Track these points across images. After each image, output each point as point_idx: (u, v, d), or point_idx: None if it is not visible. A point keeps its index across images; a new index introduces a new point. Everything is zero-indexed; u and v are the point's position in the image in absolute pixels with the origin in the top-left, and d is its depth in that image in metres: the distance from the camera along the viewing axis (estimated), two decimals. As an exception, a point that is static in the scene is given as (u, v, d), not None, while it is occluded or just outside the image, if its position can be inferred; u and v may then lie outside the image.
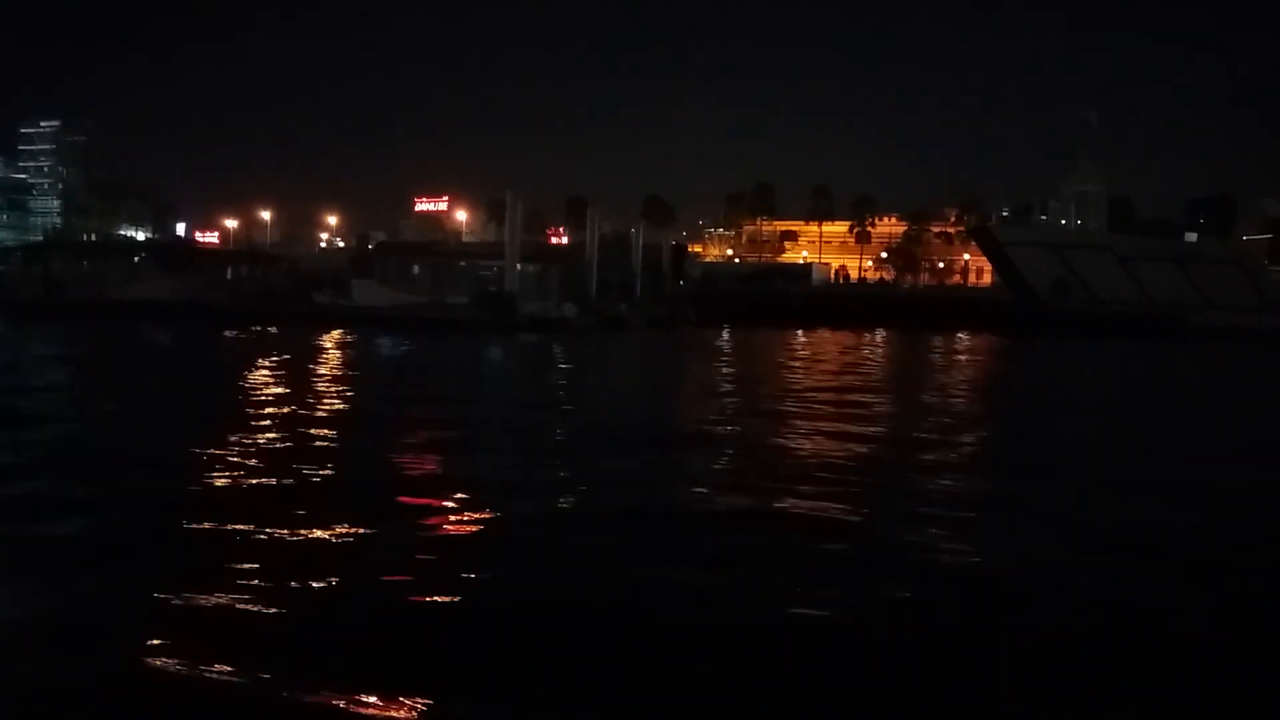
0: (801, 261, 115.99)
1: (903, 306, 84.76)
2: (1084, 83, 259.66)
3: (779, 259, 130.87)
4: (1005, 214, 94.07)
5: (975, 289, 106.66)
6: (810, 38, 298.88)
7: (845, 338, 57.86)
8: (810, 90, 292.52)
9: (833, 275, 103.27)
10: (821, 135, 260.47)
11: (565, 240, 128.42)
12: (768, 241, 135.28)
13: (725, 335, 57.49)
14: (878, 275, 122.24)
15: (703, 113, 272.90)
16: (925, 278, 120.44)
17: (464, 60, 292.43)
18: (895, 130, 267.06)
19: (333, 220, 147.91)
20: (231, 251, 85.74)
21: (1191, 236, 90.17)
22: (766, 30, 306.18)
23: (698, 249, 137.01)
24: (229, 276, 63.13)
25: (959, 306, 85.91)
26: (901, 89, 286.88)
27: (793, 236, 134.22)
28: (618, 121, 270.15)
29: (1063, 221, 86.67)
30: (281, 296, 55.81)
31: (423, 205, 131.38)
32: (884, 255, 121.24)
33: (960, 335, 64.22)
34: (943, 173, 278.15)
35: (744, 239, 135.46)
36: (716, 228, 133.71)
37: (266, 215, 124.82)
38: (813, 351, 46.45)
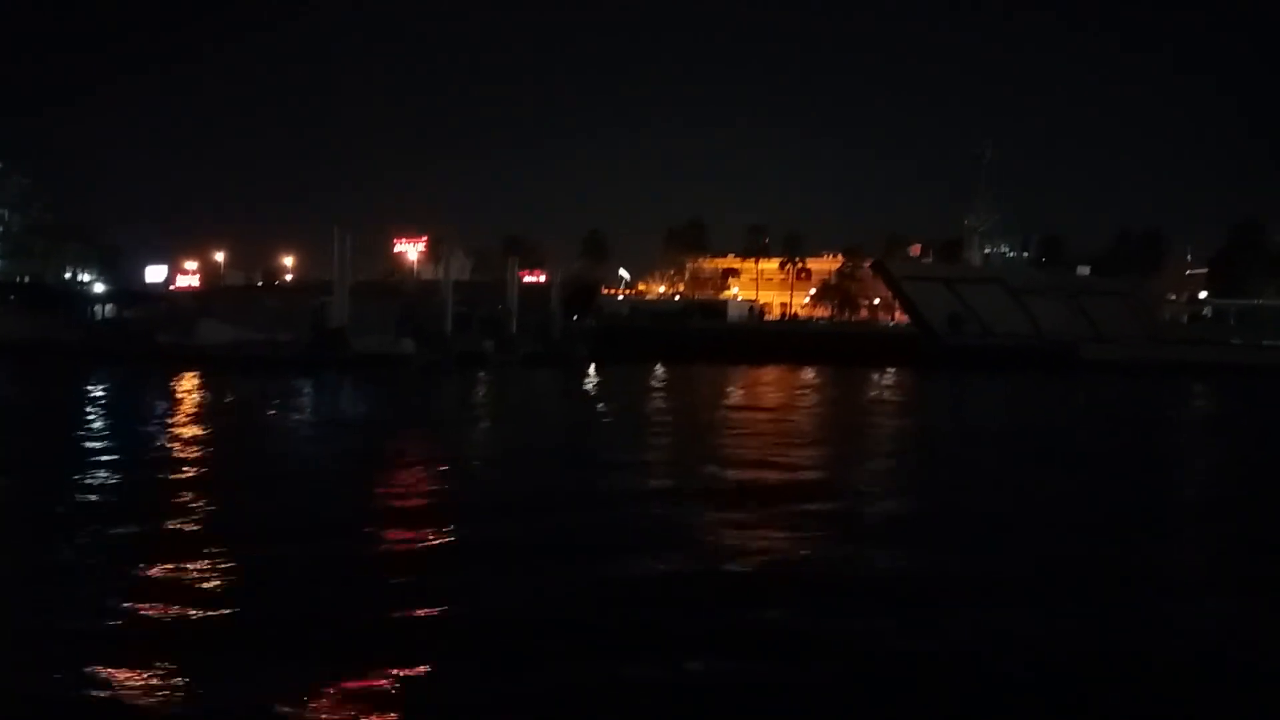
0: (731, 298, 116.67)
1: (813, 342, 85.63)
2: (1022, 116, 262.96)
3: (721, 295, 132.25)
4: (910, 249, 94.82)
5: (899, 325, 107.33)
6: (756, 71, 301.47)
7: (737, 372, 58.87)
8: (757, 125, 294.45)
9: (749, 312, 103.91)
10: (770, 171, 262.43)
11: (544, 279, 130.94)
12: (709, 279, 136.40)
13: (592, 373, 58.30)
14: (814, 312, 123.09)
15: (645, 149, 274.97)
16: (864, 313, 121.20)
17: (404, 98, 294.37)
18: (837, 165, 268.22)
19: (288, 260, 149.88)
20: (104, 293, 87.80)
21: (1084, 270, 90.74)
22: (714, 65, 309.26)
23: (642, 286, 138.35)
24: (95, 315, 64.29)
25: (868, 342, 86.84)
26: (846, 125, 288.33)
27: (735, 273, 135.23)
28: (561, 157, 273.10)
29: (1005, 251, 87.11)
30: (132, 335, 56.82)
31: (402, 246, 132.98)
32: (812, 292, 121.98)
33: (859, 369, 65.60)
34: (883, 208, 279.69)
35: (687, 276, 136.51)
36: (660, 265, 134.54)
37: (219, 256, 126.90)
38: (681, 387, 47.58)
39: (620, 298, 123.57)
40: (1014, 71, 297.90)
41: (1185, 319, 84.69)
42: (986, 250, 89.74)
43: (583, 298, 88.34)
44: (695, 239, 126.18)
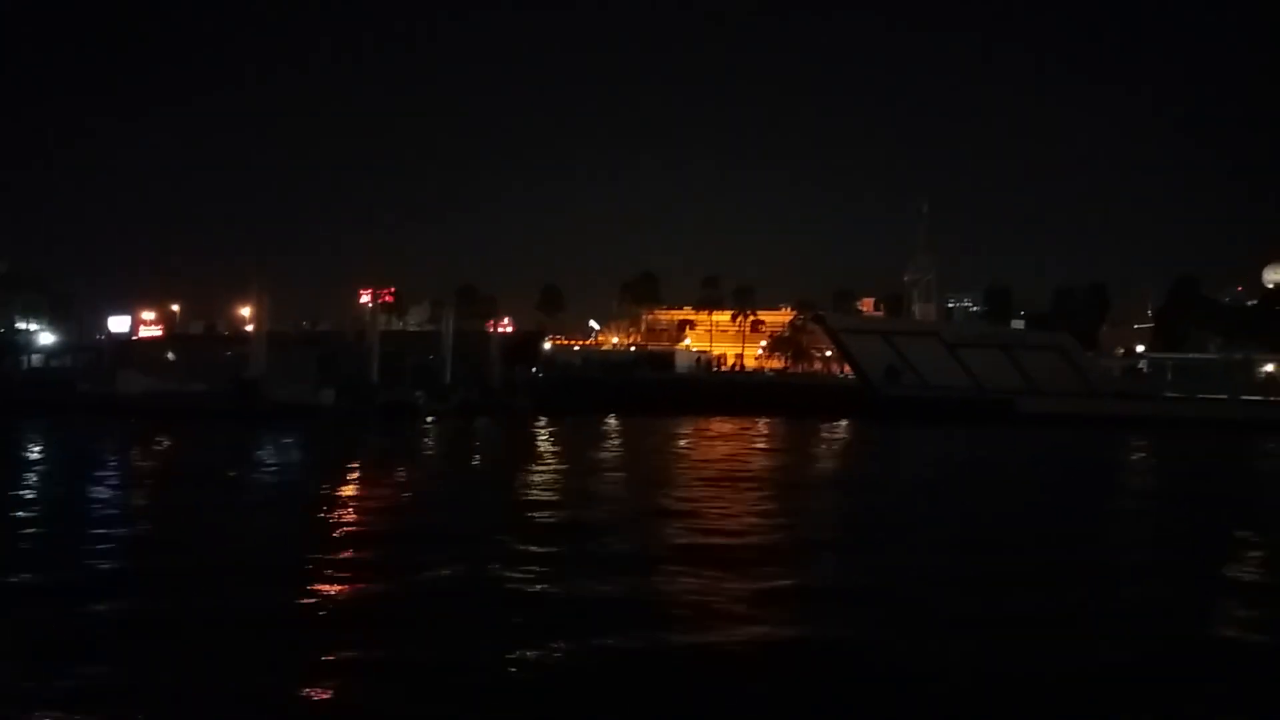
0: (681, 349, 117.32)
1: (758, 393, 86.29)
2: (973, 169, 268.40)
3: (678, 346, 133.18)
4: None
5: (847, 377, 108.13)
6: (714, 121, 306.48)
7: (674, 423, 59.30)
8: (720, 174, 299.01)
9: (697, 362, 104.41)
10: (727, 223, 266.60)
11: (511, 328, 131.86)
12: (666, 330, 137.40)
13: (529, 424, 58.37)
14: (767, 363, 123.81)
15: (603, 202, 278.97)
16: (817, 365, 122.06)
17: (363, 152, 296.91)
18: (795, 218, 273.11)
19: (245, 311, 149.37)
20: (47, 344, 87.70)
21: (1019, 324, 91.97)
22: (675, 113, 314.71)
23: (601, 337, 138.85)
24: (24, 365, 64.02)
25: (812, 393, 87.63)
26: (803, 179, 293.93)
27: (691, 325, 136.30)
28: (519, 208, 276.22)
29: (967, 305, 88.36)
30: (55, 385, 56.56)
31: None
32: (763, 345, 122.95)
33: (798, 420, 66.71)
34: (847, 261, 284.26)
35: (643, 327, 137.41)
36: (616, 316, 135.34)
37: (175, 307, 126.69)
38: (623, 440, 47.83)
39: (576, 348, 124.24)
40: (968, 125, 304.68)
41: (1118, 373, 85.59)
42: (951, 304, 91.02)
43: (527, 348, 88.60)
44: (649, 291, 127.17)
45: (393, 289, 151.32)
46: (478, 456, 42.04)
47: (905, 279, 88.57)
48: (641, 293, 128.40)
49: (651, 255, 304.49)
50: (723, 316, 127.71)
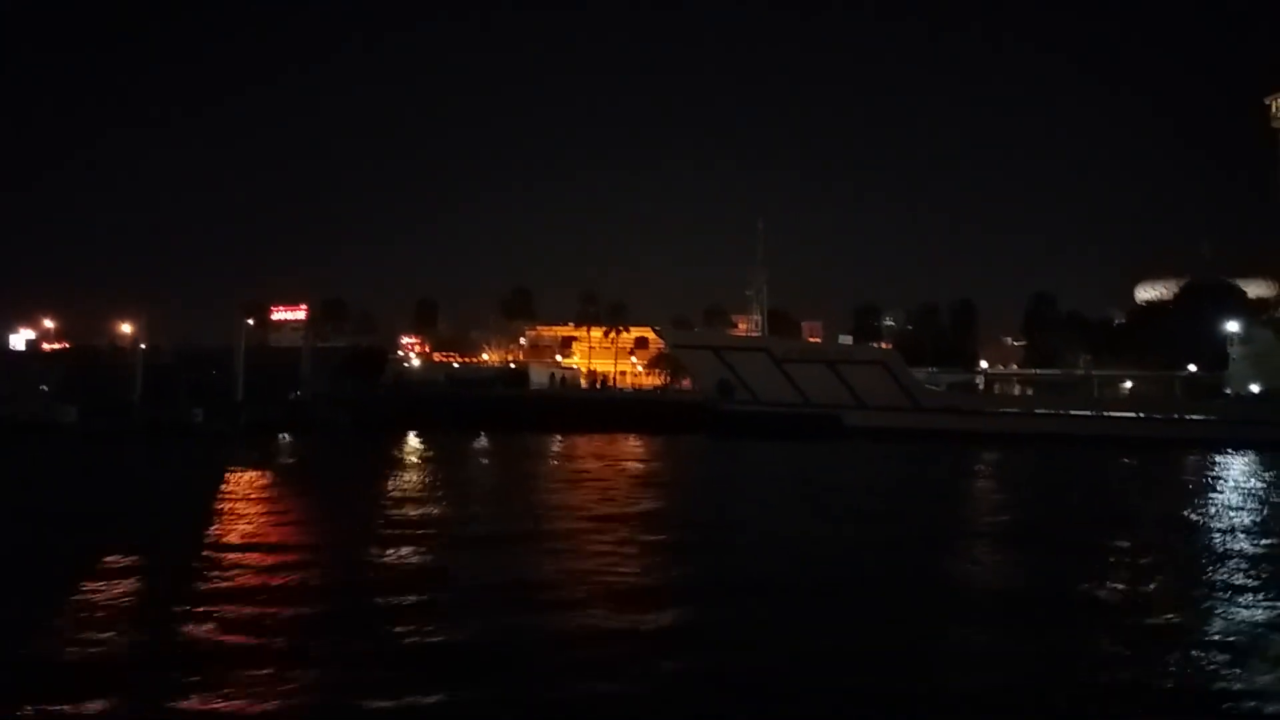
0: (553, 364, 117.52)
1: (609, 410, 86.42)
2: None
3: (563, 362, 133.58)
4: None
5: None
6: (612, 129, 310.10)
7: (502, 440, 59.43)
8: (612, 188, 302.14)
9: (551, 379, 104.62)
10: (608, 240, 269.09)
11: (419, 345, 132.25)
12: (548, 346, 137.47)
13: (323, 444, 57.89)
14: (646, 380, 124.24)
15: (481, 214, 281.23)
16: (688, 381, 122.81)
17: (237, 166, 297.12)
18: (680, 236, 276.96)
19: (127, 328, 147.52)
20: None
21: (846, 339, 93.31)
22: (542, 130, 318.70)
23: (486, 353, 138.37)
24: None
25: (660, 409, 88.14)
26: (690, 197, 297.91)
27: (573, 341, 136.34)
28: (392, 227, 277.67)
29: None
30: None
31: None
32: (633, 359, 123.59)
33: (640, 436, 68.08)
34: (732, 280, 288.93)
35: (525, 343, 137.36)
36: (493, 332, 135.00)
37: (49, 323, 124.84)
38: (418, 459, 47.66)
39: (457, 365, 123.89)
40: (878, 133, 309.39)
41: (944, 387, 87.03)
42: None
43: (368, 365, 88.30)
44: (523, 307, 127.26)
45: (305, 306, 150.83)
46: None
47: (747, 294, 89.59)
48: (515, 308, 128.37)
49: (546, 272, 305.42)
50: (596, 333, 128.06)
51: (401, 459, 49.27)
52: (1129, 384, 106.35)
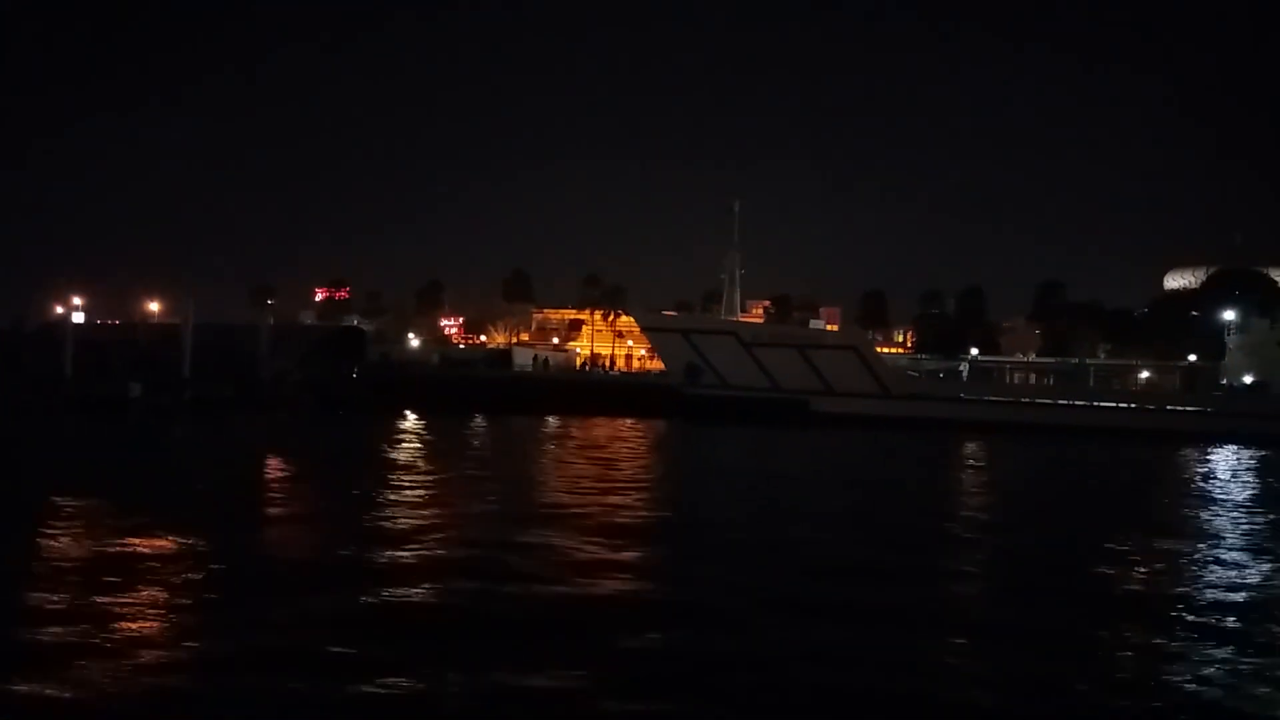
0: (519, 346, 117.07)
1: (581, 392, 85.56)
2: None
3: (568, 345, 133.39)
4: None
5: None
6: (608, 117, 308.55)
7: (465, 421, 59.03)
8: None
9: (534, 360, 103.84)
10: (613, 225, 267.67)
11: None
12: (555, 329, 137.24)
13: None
14: (651, 364, 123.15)
15: (482, 198, 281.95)
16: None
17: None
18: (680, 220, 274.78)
19: (154, 306, 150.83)
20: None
21: (819, 323, 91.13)
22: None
23: (487, 336, 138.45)
24: None
25: (631, 393, 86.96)
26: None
27: (580, 324, 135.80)
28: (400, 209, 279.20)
29: None
30: None
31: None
32: (629, 342, 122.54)
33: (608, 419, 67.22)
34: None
35: (533, 326, 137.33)
36: (496, 315, 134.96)
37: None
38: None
39: (462, 346, 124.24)
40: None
41: (919, 375, 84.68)
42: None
43: (346, 345, 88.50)
44: (523, 290, 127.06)
45: (347, 288, 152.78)
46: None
47: (721, 276, 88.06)
48: (515, 292, 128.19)
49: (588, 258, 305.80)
50: (597, 316, 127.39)
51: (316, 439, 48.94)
52: (1145, 374, 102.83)
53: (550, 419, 69.06)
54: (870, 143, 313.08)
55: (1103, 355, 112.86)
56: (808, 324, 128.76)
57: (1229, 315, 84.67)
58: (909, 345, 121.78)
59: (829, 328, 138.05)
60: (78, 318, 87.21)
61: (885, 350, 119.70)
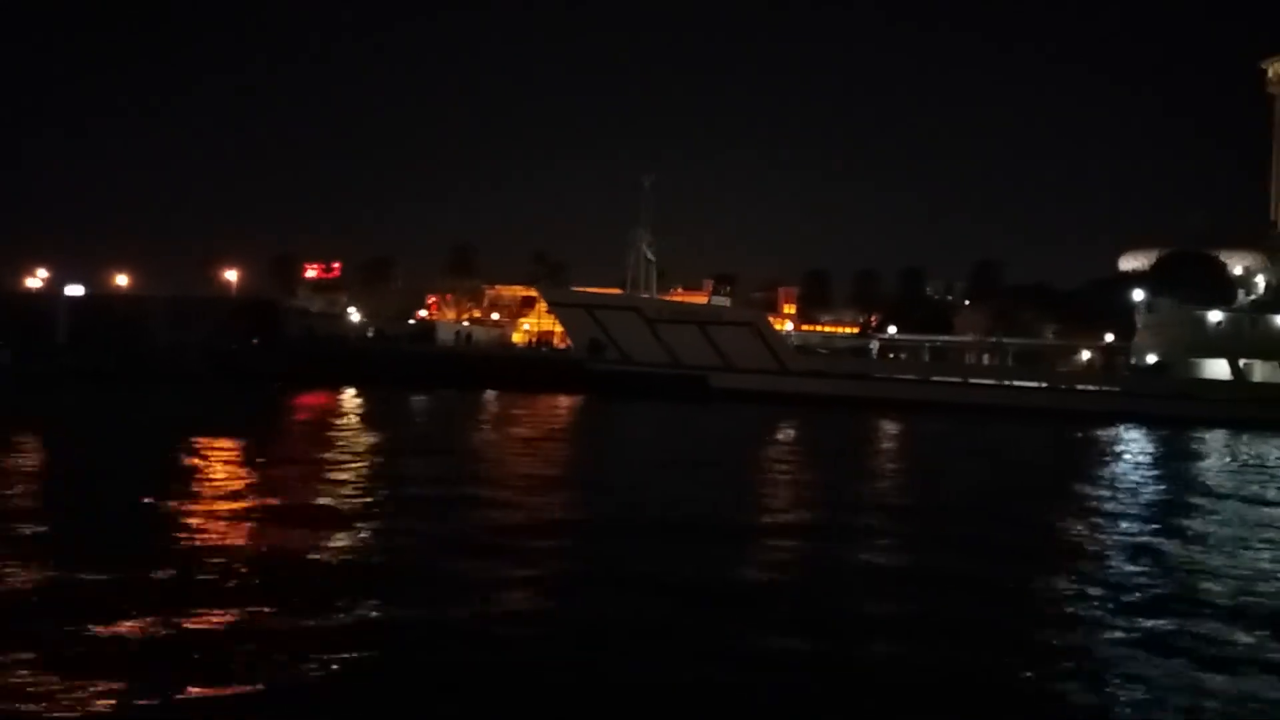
0: (445, 321, 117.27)
1: (495, 367, 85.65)
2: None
3: (519, 322, 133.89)
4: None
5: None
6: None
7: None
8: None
9: (456, 336, 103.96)
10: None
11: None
12: (508, 306, 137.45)
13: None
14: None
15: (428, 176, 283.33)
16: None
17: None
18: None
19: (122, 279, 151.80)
20: None
21: (721, 300, 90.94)
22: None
23: (443, 311, 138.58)
24: None
25: (542, 367, 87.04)
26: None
27: (531, 302, 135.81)
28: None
29: None
30: None
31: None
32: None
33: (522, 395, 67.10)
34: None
35: (485, 302, 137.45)
36: (442, 290, 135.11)
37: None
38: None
39: (412, 322, 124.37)
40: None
41: (827, 352, 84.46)
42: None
43: (258, 317, 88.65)
44: (462, 264, 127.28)
45: (338, 264, 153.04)
46: None
47: (642, 250, 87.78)
48: (458, 265, 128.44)
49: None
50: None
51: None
52: (1086, 354, 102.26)
53: (448, 393, 68.83)
54: (865, 130, 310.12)
55: (1050, 335, 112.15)
56: (768, 305, 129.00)
57: (1137, 295, 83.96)
58: (873, 325, 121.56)
59: (786, 308, 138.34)
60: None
61: (832, 329, 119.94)
